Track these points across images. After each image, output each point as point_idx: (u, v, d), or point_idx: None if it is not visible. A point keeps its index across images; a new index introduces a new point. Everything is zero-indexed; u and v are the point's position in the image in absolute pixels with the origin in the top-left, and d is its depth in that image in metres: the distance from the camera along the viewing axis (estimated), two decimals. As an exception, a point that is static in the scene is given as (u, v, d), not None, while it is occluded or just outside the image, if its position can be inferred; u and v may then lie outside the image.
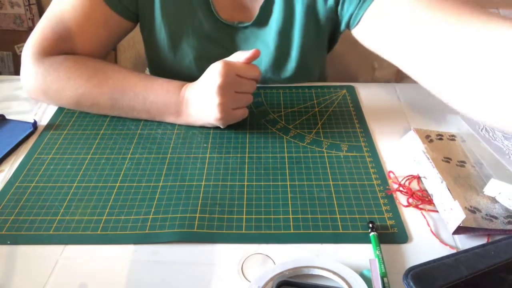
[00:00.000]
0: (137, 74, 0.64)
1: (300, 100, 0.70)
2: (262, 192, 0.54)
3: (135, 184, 0.55)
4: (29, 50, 0.65)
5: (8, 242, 0.48)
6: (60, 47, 0.65)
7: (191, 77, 0.63)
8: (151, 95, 0.62)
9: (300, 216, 0.50)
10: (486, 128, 0.61)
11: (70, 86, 0.63)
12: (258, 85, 0.63)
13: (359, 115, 0.67)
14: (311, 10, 0.67)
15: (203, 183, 0.55)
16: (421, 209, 0.51)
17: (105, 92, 0.62)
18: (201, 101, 0.60)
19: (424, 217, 0.50)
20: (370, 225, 0.48)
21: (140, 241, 0.48)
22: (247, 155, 0.59)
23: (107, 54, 0.72)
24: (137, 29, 0.79)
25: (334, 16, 0.67)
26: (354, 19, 0.62)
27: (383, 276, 0.43)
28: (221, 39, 0.71)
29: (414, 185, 0.55)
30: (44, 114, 0.68)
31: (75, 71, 0.63)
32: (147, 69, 0.90)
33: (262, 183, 0.55)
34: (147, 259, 0.46)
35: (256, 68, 0.59)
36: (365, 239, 0.48)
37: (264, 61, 0.71)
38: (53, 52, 0.65)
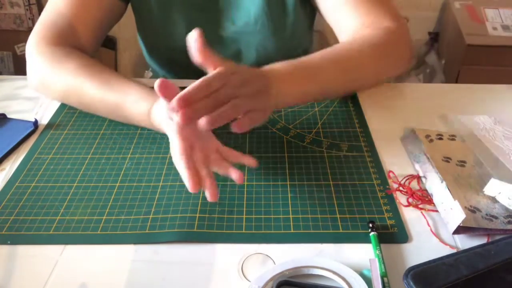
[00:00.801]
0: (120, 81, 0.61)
1: (300, 100, 0.70)
2: (262, 192, 0.54)
3: (135, 184, 0.55)
4: (33, 43, 0.66)
5: (8, 242, 0.48)
6: (63, 36, 0.66)
7: (187, 50, 0.63)
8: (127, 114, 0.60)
9: (300, 216, 0.50)
10: (486, 128, 0.61)
11: (64, 77, 0.63)
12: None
13: (359, 115, 0.67)
14: None
15: (203, 183, 0.55)
16: (421, 209, 0.51)
17: (90, 93, 0.62)
18: None
19: (424, 217, 0.50)
20: (370, 225, 0.48)
21: (140, 241, 0.48)
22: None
23: (103, 38, 0.74)
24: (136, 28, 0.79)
25: None
26: None
27: (383, 276, 0.43)
28: (207, 5, 0.73)
29: (414, 185, 0.55)
30: (45, 113, 0.68)
31: (75, 64, 0.63)
32: (148, 70, 0.90)
33: (262, 183, 0.55)
34: (147, 259, 0.46)
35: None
36: (365, 239, 0.48)
37: (254, 11, 0.72)
38: (57, 42, 0.66)
